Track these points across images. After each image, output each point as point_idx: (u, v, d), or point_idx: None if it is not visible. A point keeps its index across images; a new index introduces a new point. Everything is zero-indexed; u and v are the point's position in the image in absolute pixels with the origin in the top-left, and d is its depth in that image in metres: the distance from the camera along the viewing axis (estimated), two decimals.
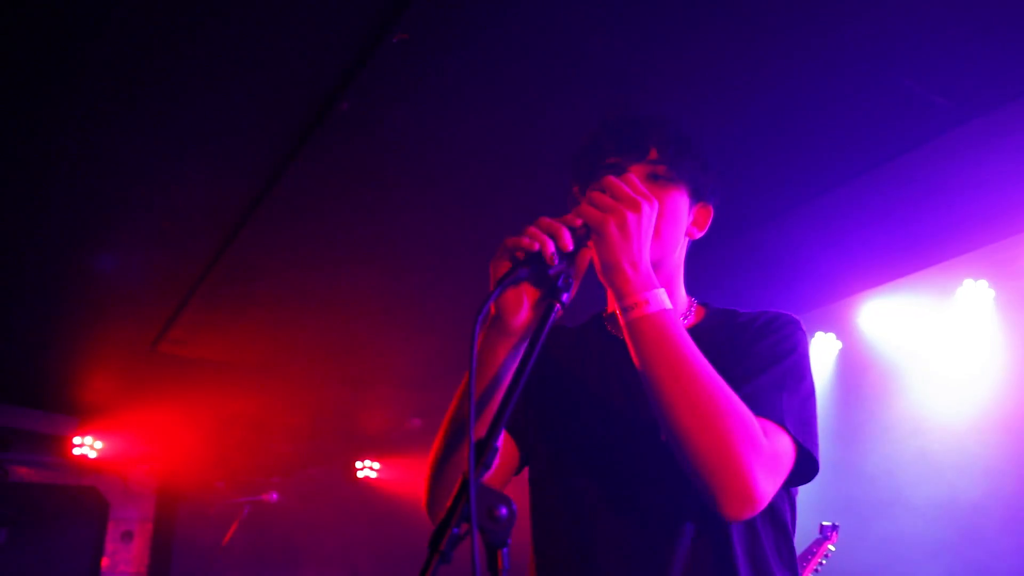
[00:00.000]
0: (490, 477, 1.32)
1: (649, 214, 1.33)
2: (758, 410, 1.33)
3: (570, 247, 1.25)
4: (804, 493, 3.80)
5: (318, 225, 3.60)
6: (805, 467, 1.41)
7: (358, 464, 7.20)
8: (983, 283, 4.94)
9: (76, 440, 6.19)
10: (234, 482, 6.62)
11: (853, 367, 5.55)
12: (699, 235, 1.59)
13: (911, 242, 4.05)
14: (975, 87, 2.54)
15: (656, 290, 1.32)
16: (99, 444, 6.25)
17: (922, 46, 2.36)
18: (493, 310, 1.31)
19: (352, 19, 2.40)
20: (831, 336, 5.66)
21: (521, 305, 1.30)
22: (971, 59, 2.44)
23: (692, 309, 1.62)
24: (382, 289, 4.33)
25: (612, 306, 1.58)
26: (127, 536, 6.73)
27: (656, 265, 1.41)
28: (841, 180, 3.17)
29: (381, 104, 2.76)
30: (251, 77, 2.69)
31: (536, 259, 1.24)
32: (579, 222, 1.28)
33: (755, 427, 1.29)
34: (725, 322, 1.57)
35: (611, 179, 1.31)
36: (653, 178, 1.49)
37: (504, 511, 1.10)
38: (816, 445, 1.41)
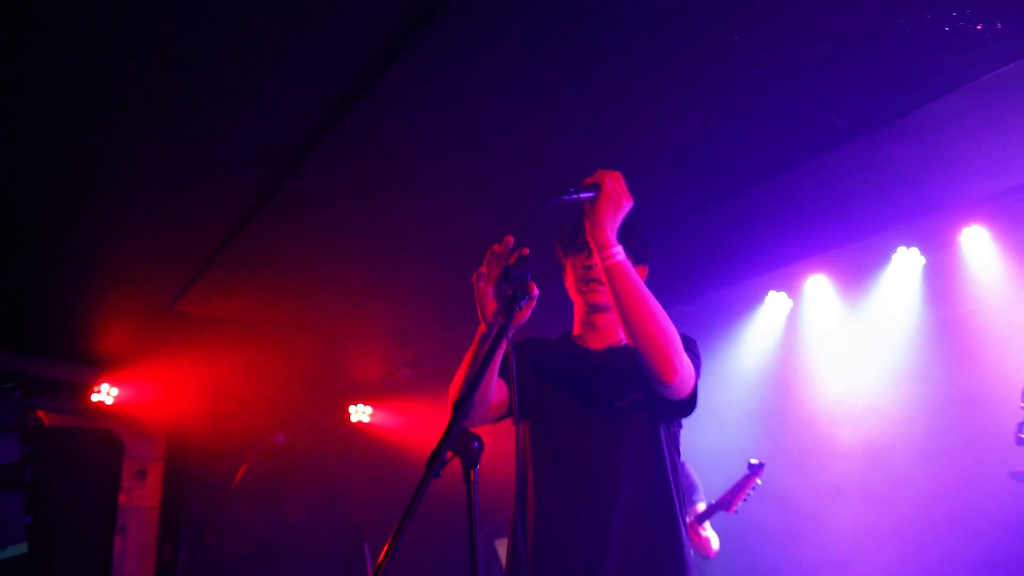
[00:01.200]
0: (483, 412, 2.09)
1: (627, 207, 2.17)
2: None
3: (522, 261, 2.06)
4: (742, 434, 4.70)
5: (323, 213, 4.12)
6: (692, 402, 2.25)
7: (352, 409, 7.65)
8: (915, 250, 5.55)
9: (95, 388, 6.68)
10: (239, 426, 7.06)
11: (796, 325, 6.18)
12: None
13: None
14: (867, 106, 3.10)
15: (620, 247, 2.14)
16: (115, 391, 6.71)
17: (818, 74, 2.89)
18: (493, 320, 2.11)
19: None
20: (783, 295, 6.27)
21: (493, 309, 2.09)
22: (860, 83, 2.99)
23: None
24: (374, 260, 4.86)
25: (576, 328, 2.48)
26: (141, 474, 7.25)
27: (610, 305, 2.24)
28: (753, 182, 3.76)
29: (388, 117, 3.23)
30: (282, 62, 2.96)
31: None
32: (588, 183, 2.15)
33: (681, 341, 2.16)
34: None
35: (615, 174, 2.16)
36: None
37: (476, 445, 1.74)
38: (697, 396, 2.25)
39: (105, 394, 6.71)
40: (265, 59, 2.88)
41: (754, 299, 6.30)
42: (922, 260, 5.53)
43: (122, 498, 7.07)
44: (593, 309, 2.40)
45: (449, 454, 1.72)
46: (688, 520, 3.82)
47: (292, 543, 7.24)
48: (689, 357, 2.21)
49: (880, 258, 5.61)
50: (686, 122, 3.19)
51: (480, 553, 1.69)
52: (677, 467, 2.31)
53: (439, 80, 3.00)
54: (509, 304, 1.97)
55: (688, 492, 4.22)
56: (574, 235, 2.38)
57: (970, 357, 5.06)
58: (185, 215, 4.19)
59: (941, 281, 5.39)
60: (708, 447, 5.36)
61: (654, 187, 3.95)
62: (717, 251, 5.25)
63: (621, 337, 2.41)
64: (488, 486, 2.07)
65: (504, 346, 1.98)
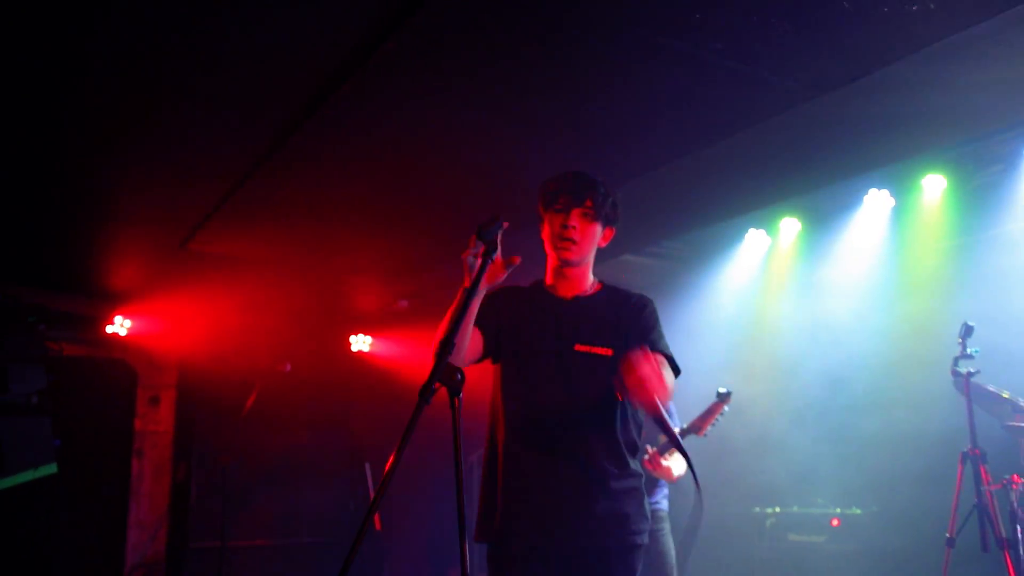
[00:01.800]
0: (464, 354, 2.48)
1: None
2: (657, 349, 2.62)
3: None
4: (721, 363, 5.20)
5: (326, 165, 4.41)
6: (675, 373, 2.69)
7: (352, 339, 8.05)
8: (885, 192, 5.86)
9: (110, 321, 7.05)
10: (245, 356, 7.41)
11: (773, 261, 6.53)
12: (604, 245, 2.80)
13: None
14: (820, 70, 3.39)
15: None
16: (128, 324, 7.09)
17: (772, 37, 3.15)
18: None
19: None
20: (762, 232, 6.61)
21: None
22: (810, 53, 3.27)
23: (595, 284, 2.83)
24: (374, 205, 5.17)
25: (548, 277, 2.84)
26: (154, 400, 7.66)
27: (581, 261, 2.71)
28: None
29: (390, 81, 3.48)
30: (291, 22, 3.09)
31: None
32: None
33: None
34: (615, 293, 2.83)
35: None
36: (584, 215, 2.68)
37: (459, 376, 2.10)
38: (677, 367, 2.73)
39: (119, 326, 7.08)
40: (275, 19, 3.09)
41: (735, 237, 6.64)
42: (891, 202, 5.85)
43: (137, 423, 7.51)
44: (565, 263, 2.75)
45: (437, 385, 2.09)
46: (651, 453, 4.22)
47: (298, 464, 7.67)
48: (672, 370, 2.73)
49: (854, 199, 5.94)
50: (661, 85, 3.49)
51: (463, 467, 2.07)
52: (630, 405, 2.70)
53: (444, 45, 3.22)
54: (483, 258, 2.33)
55: (666, 420, 4.60)
56: (556, 196, 2.72)
57: (928, 292, 5.43)
58: (196, 165, 4.47)
59: (908, 222, 5.74)
60: (689, 376, 5.77)
61: (640, 137, 4.25)
62: (698, 194, 5.53)
63: (587, 287, 2.80)
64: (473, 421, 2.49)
65: (480, 295, 2.39)
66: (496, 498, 2.64)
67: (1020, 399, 3.99)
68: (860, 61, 3.26)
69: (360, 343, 8.06)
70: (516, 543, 2.58)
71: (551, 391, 2.63)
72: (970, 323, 3.92)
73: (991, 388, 4.09)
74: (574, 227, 2.65)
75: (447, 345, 2.16)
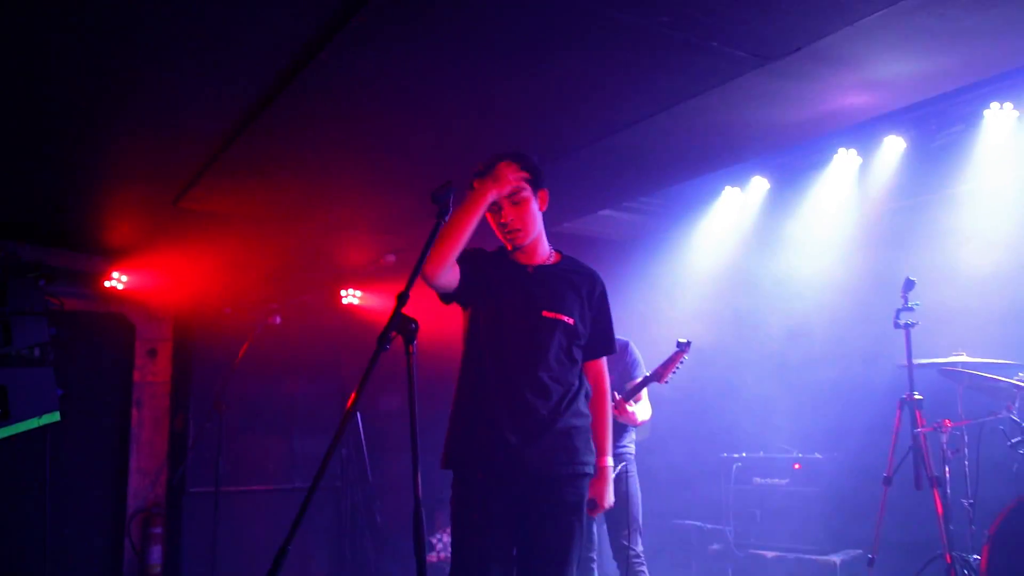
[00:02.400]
0: (443, 280, 2.93)
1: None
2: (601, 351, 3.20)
3: None
4: (689, 310, 5.54)
5: (314, 124, 4.59)
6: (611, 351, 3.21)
7: (343, 292, 8.28)
8: (853, 151, 6.09)
9: (107, 276, 7.27)
10: (239, 309, 7.67)
11: (746, 218, 6.77)
12: (545, 208, 3.12)
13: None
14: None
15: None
16: (125, 279, 7.30)
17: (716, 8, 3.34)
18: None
19: None
20: (736, 189, 6.84)
21: None
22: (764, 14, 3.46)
23: (553, 253, 3.20)
24: (362, 164, 5.36)
25: (509, 248, 3.17)
26: (152, 353, 7.94)
27: (531, 238, 3.07)
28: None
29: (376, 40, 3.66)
30: None
31: None
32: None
33: None
34: (573, 265, 3.20)
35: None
36: (515, 203, 3.03)
37: (413, 326, 2.36)
38: (614, 340, 3.21)
39: (116, 281, 7.28)
40: None
41: (712, 194, 6.87)
42: (859, 160, 6.08)
43: (136, 375, 7.78)
44: (517, 248, 3.11)
45: (393, 333, 2.36)
46: (618, 400, 4.50)
47: (292, 413, 7.97)
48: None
49: (825, 157, 6.17)
50: (612, 54, 3.70)
51: (417, 409, 2.34)
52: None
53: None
54: (437, 218, 2.61)
55: (632, 368, 4.87)
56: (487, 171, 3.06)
57: (886, 248, 5.68)
58: (185, 126, 4.65)
59: (872, 180, 5.97)
60: (662, 324, 6.06)
61: (607, 102, 4.46)
62: (670, 152, 5.72)
63: (547, 256, 3.18)
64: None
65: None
66: (464, 431, 3.02)
67: (963, 352, 4.26)
68: (805, 30, 3.47)
69: (350, 296, 8.29)
70: (480, 470, 2.95)
71: (519, 347, 2.99)
72: (912, 278, 4.17)
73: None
74: (512, 218, 3.01)
75: (404, 300, 2.42)
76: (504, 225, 3.02)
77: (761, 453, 5.96)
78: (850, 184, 6.08)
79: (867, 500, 4.82)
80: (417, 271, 2.69)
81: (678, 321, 6.19)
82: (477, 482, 2.94)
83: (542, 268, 3.11)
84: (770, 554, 5.61)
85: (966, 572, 3.84)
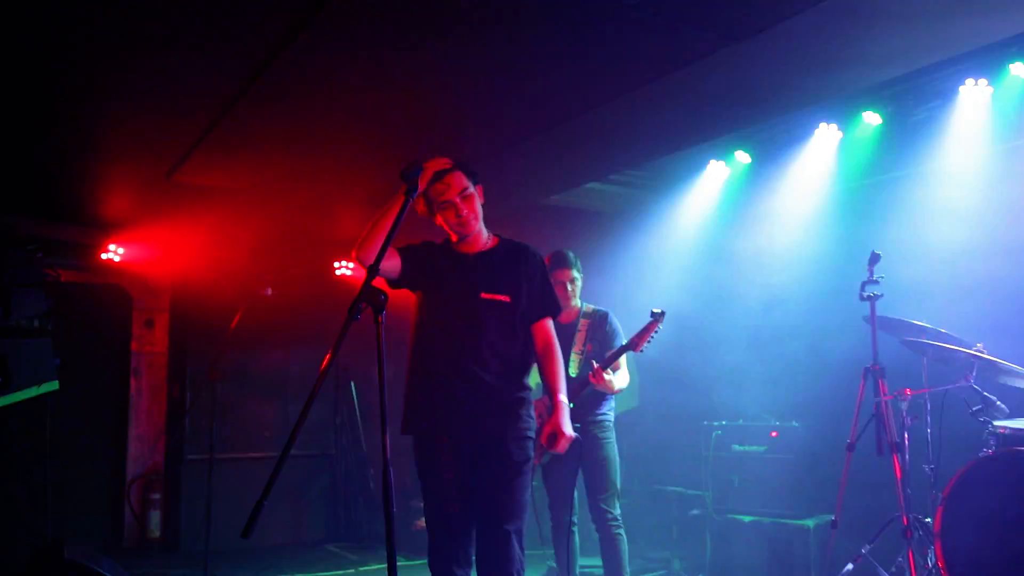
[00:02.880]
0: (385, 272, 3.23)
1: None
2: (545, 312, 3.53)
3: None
4: (671, 281, 5.75)
5: (303, 98, 4.71)
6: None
7: (336, 264, 8.45)
8: (833, 126, 6.20)
9: (104, 248, 7.41)
10: (234, 280, 7.78)
11: (730, 190, 6.90)
12: (483, 201, 3.51)
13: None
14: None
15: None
16: (122, 251, 7.45)
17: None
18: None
19: None
20: (721, 164, 6.96)
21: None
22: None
23: (491, 238, 3.57)
24: (352, 136, 5.48)
25: (453, 239, 3.54)
26: (149, 323, 8.09)
27: (478, 226, 3.48)
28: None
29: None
30: None
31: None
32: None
33: None
34: (511, 245, 3.56)
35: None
36: (465, 198, 3.41)
37: (383, 297, 2.50)
38: (557, 302, 3.58)
39: (113, 253, 7.43)
40: None
41: (696, 167, 6.99)
42: (839, 135, 6.19)
43: (134, 345, 7.97)
44: (465, 237, 3.48)
45: (364, 304, 2.51)
46: (595, 368, 4.66)
47: (287, 382, 8.15)
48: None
49: (806, 132, 6.28)
50: (583, 34, 3.84)
51: (386, 374, 2.49)
52: (526, 335, 3.53)
53: None
54: (405, 196, 2.79)
55: (612, 338, 5.01)
56: (439, 196, 3.42)
57: (862, 223, 5.82)
58: (177, 101, 4.79)
59: (850, 155, 6.09)
60: (645, 294, 6.22)
61: (582, 79, 4.59)
62: (652, 126, 5.83)
63: (486, 242, 3.55)
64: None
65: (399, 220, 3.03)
66: (419, 401, 3.41)
67: (926, 323, 4.40)
68: (766, 13, 3.59)
69: (343, 268, 8.44)
70: (436, 434, 3.36)
71: (463, 327, 3.39)
72: (877, 252, 4.30)
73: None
74: (465, 212, 3.40)
75: (375, 272, 2.58)
76: (459, 218, 3.41)
77: (740, 421, 6.13)
78: (829, 159, 6.20)
79: (840, 467, 4.98)
80: (386, 246, 2.87)
81: (661, 291, 6.33)
82: (438, 445, 3.35)
83: (482, 255, 3.52)
84: (747, 518, 5.80)
85: (921, 533, 4.03)
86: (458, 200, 3.40)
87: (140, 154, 5.73)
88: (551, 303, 3.60)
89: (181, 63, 4.34)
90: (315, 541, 8.07)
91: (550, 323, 3.61)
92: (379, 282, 2.73)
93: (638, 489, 7.01)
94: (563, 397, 3.50)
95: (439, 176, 3.40)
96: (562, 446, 3.44)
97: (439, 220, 3.50)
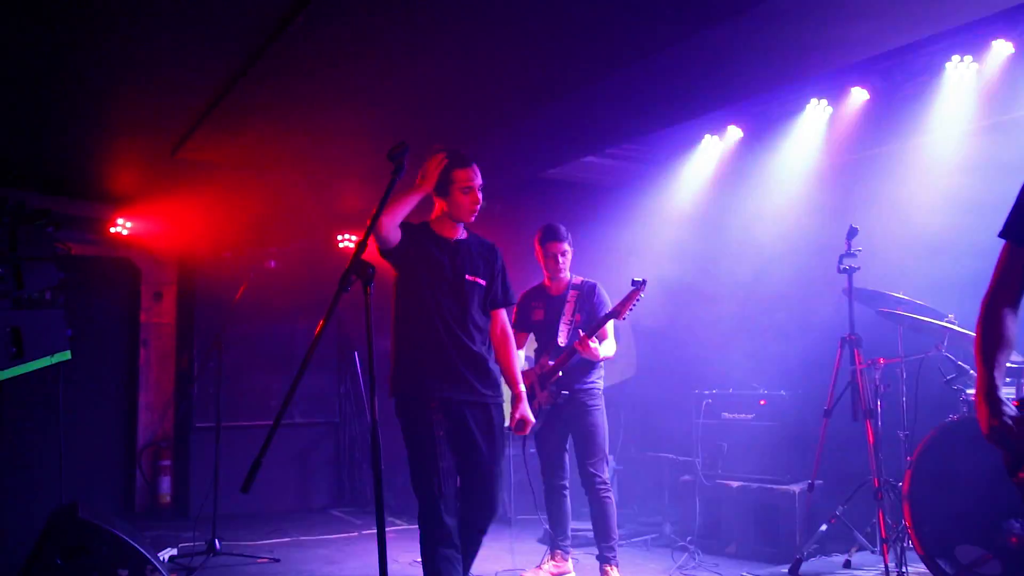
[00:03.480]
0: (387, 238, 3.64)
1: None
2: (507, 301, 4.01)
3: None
4: (665, 250, 5.99)
5: (305, 74, 4.85)
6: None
7: (339, 237, 8.63)
8: (823, 103, 6.30)
9: (113, 222, 7.61)
10: (239, 254, 7.97)
11: (720, 168, 7.03)
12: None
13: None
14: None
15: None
16: (130, 225, 7.65)
17: None
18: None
19: None
20: (715, 139, 7.08)
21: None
22: None
23: (463, 230, 3.93)
24: (354, 111, 5.63)
25: (435, 220, 3.89)
26: (157, 296, 8.30)
27: None
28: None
29: None
30: None
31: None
32: None
33: None
34: (477, 239, 3.98)
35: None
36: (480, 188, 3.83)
37: (371, 270, 2.68)
38: (513, 295, 4.00)
39: (121, 227, 7.63)
40: None
41: (692, 141, 7.12)
42: (829, 110, 6.31)
43: (143, 316, 8.20)
44: (460, 221, 3.86)
45: (353, 277, 2.68)
46: (581, 336, 4.84)
47: (293, 352, 8.34)
48: None
49: (798, 107, 6.40)
50: (568, 13, 3.98)
51: (374, 342, 2.67)
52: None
53: None
54: (392, 175, 2.94)
55: (598, 308, 5.17)
56: (469, 180, 3.77)
57: (847, 195, 5.96)
58: (180, 77, 4.93)
59: (840, 129, 6.21)
60: (637, 264, 6.39)
61: (579, 54, 4.74)
62: (647, 101, 5.94)
63: (461, 232, 3.91)
64: None
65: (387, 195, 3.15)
66: (412, 367, 3.77)
67: (902, 294, 4.56)
68: None
69: (346, 241, 8.61)
70: (429, 397, 3.69)
71: (453, 303, 3.79)
72: (855, 226, 4.45)
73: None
74: (479, 201, 3.82)
75: (362, 246, 2.74)
76: (477, 204, 3.83)
77: (730, 390, 6.29)
78: (818, 134, 6.32)
79: (832, 437, 5.15)
80: (375, 222, 3.04)
81: (656, 259, 6.51)
82: (431, 406, 3.67)
83: (461, 242, 3.91)
84: (735, 484, 5.98)
85: (891, 495, 4.21)
86: (477, 190, 3.79)
87: (145, 131, 5.89)
88: (511, 296, 4.07)
89: (183, 41, 4.48)
90: (320, 506, 8.32)
91: (505, 314, 4.07)
92: (369, 255, 2.87)
93: (635, 456, 7.22)
94: (522, 387, 4.00)
95: (467, 163, 3.77)
96: (527, 430, 3.97)
97: (441, 203, 3.85)
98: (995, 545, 3.35)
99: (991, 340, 2.33)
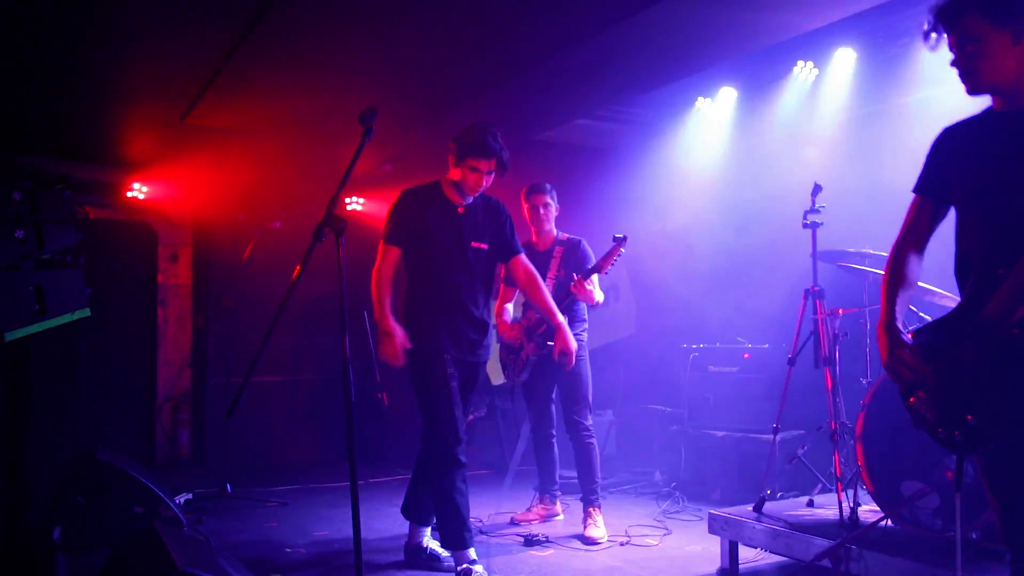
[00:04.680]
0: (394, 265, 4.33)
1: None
2: (517, 250, 4.51)
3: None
4: (659, 202, 6.24)
5: (307, 37, 5.06)
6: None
7: (346, 200, 8.87)
8: (810, 64, 6.45)
9: (129, 187, 7.88)
10: (252, 215, 8.20)
11: (716, 127, 7.19)
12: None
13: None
14: None
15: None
16: (145, 189, 7.92)
17: None
18: None
19: None
20: (707, 101, 7.25)
21: None
22: None
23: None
24: (359, 73, 5.84)
25: (446, 187, 4.39)
26: (174, 257, 8.63)
27: None
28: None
29: None
30: None
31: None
32: None
33: None
34: (485, 199, 4.42)
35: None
36: (489, 172, 4.37)
37: (343, 224, 2.94)
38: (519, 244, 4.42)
39: (137, 191, 7.91)
40: None
41: (686, 104, 7.30)
42: (815, 72, 6.46)
43: (160, 277, 8.54)
44: (467, 193, 4.33)
45: (327, 229, 2.95)
46: (576, 279, 5.09)
47: (304, 310, 8.64)
48: None
49: (786, 69, 6.56)
50: None
51: (347, 298, 2.94)
52: (493, 276, 4.54)
53: None
54: (362, 137, 3.17)
55: (583, 261, 5.41)
56: (477, 156, 4.22)
57: (833, 155, 6.13)
58: (185, 44, 5.15)
59: (826, 91, 6.37)
60: (631, 224, 6.61)
61: (570, 11, 4.93)
62: (636, 61, 6.06)
63: (471, 199, 4.37)
64: None
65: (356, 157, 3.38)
66: (425, 325, 4.29)
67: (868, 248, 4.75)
68: None
69: (354, 204, 8.88)
70: (441, 353, 4.25)
71: (459, 270, 4.30)
72: (819, 183, 4.64)
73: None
74: (481, 186, 4.29)
75: (334, 201, 3.01)
76: (477, 187, 4.30)
77: (717, 344, 6.55)
78: (807, 95, 6.48)
79: (802, 385, 5.40)
80: (346, 178, 3.23)
81: (654, 212, 6.71)
82: (443, 360, 4.22)
83: (468, 207, 4.38)
84: (719, 433, 6.26)
85: (846, 436, 4.48)
86: (484, 176, 4.26)
87: (155, 98, 6.16)
88: (519, 244, 4.52)
89: (183, 12, 4.72)
90: (331, 459, 8.67)
91: (525, 257, 4.52)
92: (342, 210, 3.13)
93: (626, 407, 7.51)
94: (561, 317, 4.51)
95: (483, 153, 4.22)
96: (571, 361, 4.56)
97: (456, 172, 4.31)
98: (933, 480, 3.59)
99: (895, 279, 2.60)
